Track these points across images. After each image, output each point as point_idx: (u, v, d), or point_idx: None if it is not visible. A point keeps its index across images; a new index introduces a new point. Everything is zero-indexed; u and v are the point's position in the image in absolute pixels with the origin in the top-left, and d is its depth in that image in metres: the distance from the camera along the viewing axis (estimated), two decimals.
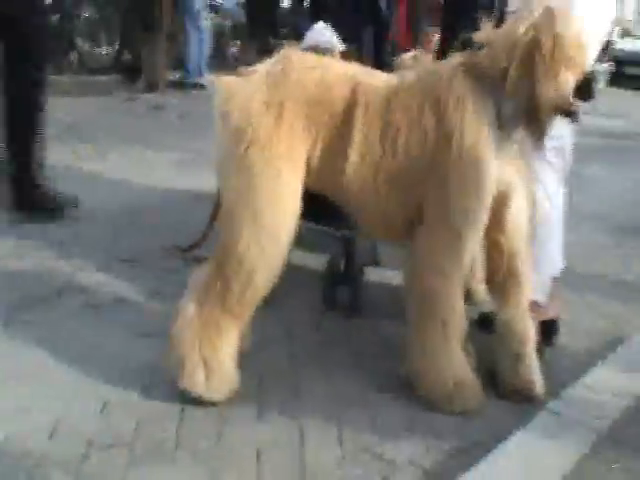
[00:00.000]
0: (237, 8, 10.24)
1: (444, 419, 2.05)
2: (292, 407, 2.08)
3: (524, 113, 1.96)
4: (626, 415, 2.06)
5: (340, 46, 2.93)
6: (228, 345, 2.04)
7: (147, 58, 7.89)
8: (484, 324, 2.47)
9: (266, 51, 9.15)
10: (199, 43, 8.26)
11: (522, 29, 1.95)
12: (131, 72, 8.15)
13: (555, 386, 2.20)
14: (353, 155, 1.99)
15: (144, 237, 3.36)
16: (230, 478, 1.76)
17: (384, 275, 3.04)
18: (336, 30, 2.95)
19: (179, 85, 8.22)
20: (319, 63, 2.06)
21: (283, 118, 1.94)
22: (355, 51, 2.90)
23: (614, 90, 11.67)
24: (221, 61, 9.43)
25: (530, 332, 2.18)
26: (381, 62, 3.03)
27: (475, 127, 1.96)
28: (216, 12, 9.86)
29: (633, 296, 3.20)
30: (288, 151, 1.95)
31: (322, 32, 2.96)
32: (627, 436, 1.96)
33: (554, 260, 2.48)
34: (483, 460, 1.83)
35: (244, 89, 1.95)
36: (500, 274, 2.15)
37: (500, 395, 2.19)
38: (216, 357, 2.01)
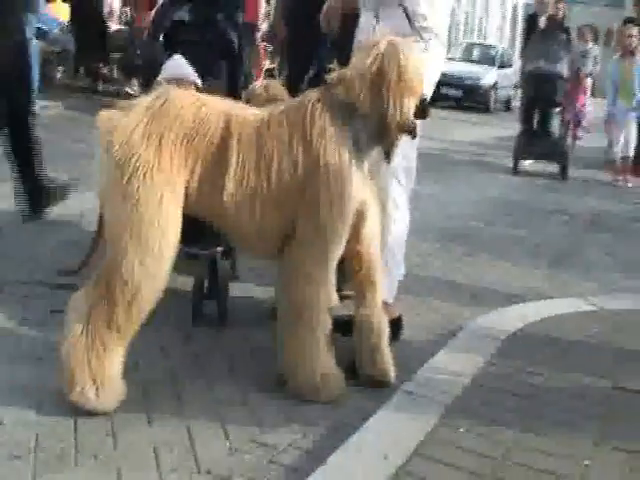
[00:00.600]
0: (62, 34, 10.09)
1: (317, 408, 2.33)
2: (178, 411, 2.27)
3: (376, 135, 2.30)
4: (466, 390, 2.44)
5: (197, 79, 3.16)
6: (115, 360, 2.20)
7: None
8: (339, 327, 2.78)
9: (95, 75, 9.07)
10: None
11: (369, 61, 2.29)
12: None
13: (406, 372, 2.55)
14: (230, 182, 2.23)
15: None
16: (134, 476, 1.93)
17: (244, 288, 3.30)
18: (191, 63, 3.17)
19: None
20: (196, 99, 2.29)
21: (162, 150, 2.15)
22: (212, 84, 3.13)
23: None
24: (48, 87, 9.28)
25: (384, 327, 2.52)
26: (235, 93, 3.29)
27: (337, 154, 2.27)
28: (43, 38, 9.69)
29: (462, 294, 3.67)
30: (168, 180, 2.16)
31: (180, 65, 3.18)
32: (469, 406, 2.34)
33: (400, 266, 2.86)
34: (352, 437, 2.12)
35: (125, 122, 2.14)
36: (358, 279, 2.48)
37: (361, 383, 2.50)
38: (103, 372, 2.16)
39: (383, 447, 2.07)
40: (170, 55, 3.26)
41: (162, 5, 3.58)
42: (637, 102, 7.99)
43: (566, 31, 9.37)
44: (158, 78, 3.12)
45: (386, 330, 2.53)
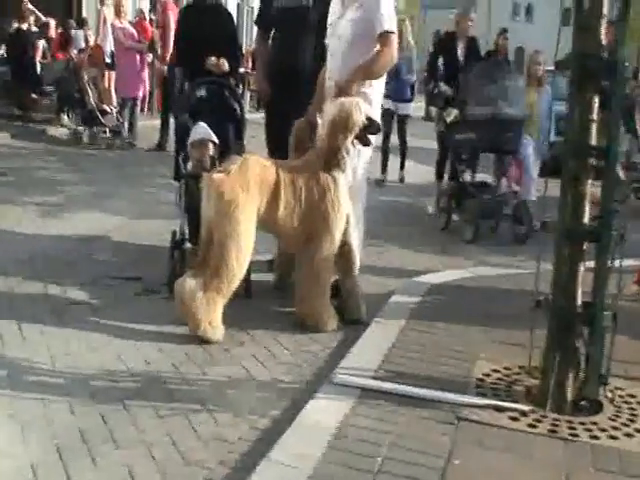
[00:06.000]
0: None
1: (324, 335, 4.09)
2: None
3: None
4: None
5: (215, 139, 4.81)
6: (219, 311, 3.86)
7: None
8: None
9: (26, 106, 10.46)
10: None
11: (329, 119, 4.07)
12: None
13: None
14: (280, 207, 3.95)
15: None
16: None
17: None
18: (210, 128, 4.83)
19: None
20: (260, 161, 4.02)
21: (249, 193, 3.85)
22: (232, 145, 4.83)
23: None
24: None
25: (359, 288, 4.34)
26: (241, 147, 4.99)
27: (338, 185, 4.06)
28: None
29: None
30: (251, 209, 3.87)
31: (204, 130, 4.82)
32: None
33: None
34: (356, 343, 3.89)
35: (229, 179, 3.83)
36: (343, 258, 4.26)
37: (345, 322, 4.27)
38: (215, 317, 3.84)
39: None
40: (195, 123, 4.90)
41: (188, 86, 5.20)
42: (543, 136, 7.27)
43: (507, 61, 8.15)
44: (189, 140, 4.79)
45: (360, 289, 4.34)
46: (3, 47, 10.46)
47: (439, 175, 7.95)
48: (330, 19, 4.61)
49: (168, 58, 9.87)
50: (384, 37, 4.32)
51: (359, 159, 4.40)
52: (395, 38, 4.40)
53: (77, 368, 3.45)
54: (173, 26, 10.09)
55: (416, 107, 15.35)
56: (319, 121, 4.29)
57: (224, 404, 3.21)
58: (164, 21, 10.30)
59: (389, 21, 4.35)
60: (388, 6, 4.39)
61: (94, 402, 3.15)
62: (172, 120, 9.10)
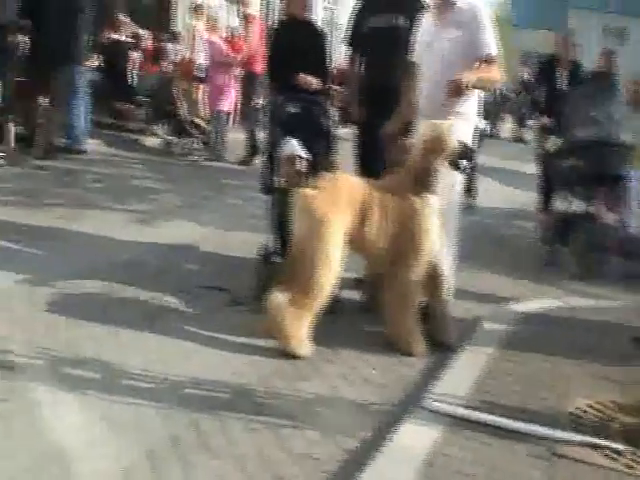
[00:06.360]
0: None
1: (411, 359, 4.03)
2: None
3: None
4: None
5: (306, 155, 4.84)
6: (306, 327, 3.86)
7: (43, 127, 9.16)
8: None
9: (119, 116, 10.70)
10: (82, 114, 9.59)
11: (422, 140, 4.04)
12: (24, 140, 9.32)
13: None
14: (371, 227, 3.93)
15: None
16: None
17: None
18: (301, 144, 4.85)
19: (64, 150, 9.47)
20: (350, 178, 4.01)
21: (339, 211, 3.85)
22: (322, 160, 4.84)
23: None
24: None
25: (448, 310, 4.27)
26: (333, 162, 4.99)
27: (428, 207, 4.01)
28: None
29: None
30: (341, 228, 3.85)
31: (294, 146, 4.85)
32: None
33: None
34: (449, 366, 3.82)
35: (320, 195, 3.84)
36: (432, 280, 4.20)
37: (433, 345, 4.20)
38: (302, 334, 3.84)
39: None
40: (286, 138, 4.93)
41: (279, 101, 5.26)
42: None
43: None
44: (280, 155, 4.82)
45: (449, 313, 4.26)
46: (99, 57, 10.78)
47: (543, 205, 7.29)
48: (421, 37, 4.60)
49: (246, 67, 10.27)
50: (490, 60, 4.29)
51: (451, 181, 4.34)
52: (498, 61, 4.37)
53: (168, 375, 3.50)
54: (256, 41, 10.40)
55: (506, 128, 15.05)
56: (409, 140, 4.25)
57: (313, 421, 3.20)
58: (248, 35, 10.51)
59: (493, 44, 4.31)
60: (490, 28, 4.35)
61: (185, 410, 3.18)
62: (260, 134, 9.28)
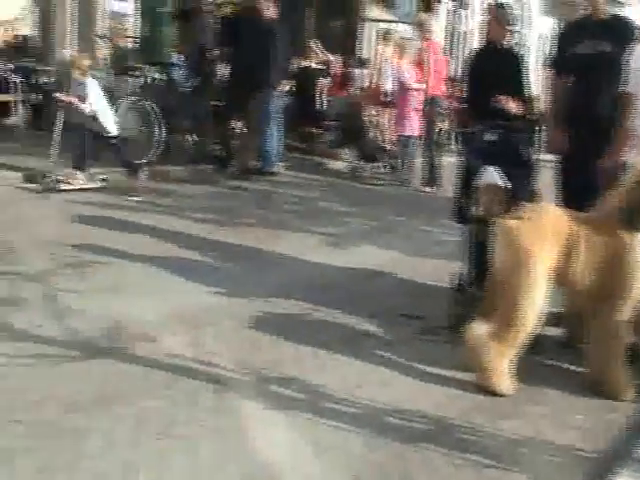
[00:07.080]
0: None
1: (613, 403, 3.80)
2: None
3: None
4: None
5: (505, 184, 4.72)
6: (506, 363, 3.76)
7: (241, 149, 9.69)
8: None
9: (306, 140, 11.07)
10: (276, 138, 10.01)
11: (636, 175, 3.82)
12: (220, 161, 9.90)
13: None
14: (575, 261, 3.75)
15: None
16: None
17: None
18: (499, 172, 4.74)
19: (256, 172, 9.93)
20: (554, 210, 3.89)
21: (544, 243, 3.72)
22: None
23: None
24: None
25: None
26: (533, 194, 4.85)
27: (637, 246, 3.79)
28: None
29: None
30: (545, 261, 3.72)
31: (494, 175, 4.75)
32: None
33: None
34: None
35: (524, 226, 3.75)
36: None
37: None
38: (503, 370, 3.74)
39: None
40: (484, 166, 4.85)
41: (477, 129, 5.20)
42: None
43: None
44: (478, 183, 4.74)
45: None
46: (291, 83, 11.22)
47: None
48: (636, 66, 4.39)
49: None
50: None
51: None
52: None
53: (370, 401, 3.53)
54: (437, 66, 10.39)
55: None
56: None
57: (518, 464, 3.10)
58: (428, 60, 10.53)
59: None
60: None
61: (388, 438, 3.19)
62: (448, 160, 9.23)
